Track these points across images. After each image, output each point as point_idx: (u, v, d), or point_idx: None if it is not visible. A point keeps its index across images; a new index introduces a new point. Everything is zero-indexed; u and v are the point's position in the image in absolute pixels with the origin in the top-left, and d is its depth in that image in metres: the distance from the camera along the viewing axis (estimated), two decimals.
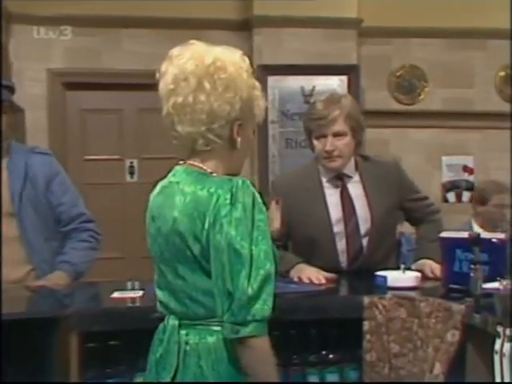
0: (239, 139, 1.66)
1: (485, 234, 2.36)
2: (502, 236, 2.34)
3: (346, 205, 2.71)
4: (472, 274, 2.03)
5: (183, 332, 1.62)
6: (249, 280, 1.49)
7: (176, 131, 1.64)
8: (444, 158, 5.26)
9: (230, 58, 1.64)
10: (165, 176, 1.74)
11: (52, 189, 2.87)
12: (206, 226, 1.53)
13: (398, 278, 2.42)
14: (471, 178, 5.29)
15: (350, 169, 2.75)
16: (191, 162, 1.67)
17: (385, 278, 2.42)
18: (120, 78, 4.80)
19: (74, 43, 4.72)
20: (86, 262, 2.93)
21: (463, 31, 5.21)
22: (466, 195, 5.28)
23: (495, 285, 1.92)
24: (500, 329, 1.83)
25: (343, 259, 2.73)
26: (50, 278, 2.71)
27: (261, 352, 1.53)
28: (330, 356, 2.30)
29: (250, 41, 4.83)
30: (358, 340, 2.19)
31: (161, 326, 1.72)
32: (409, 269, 2.57)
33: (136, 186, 5.07)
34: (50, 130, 4.91)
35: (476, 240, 2.06)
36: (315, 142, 2.68)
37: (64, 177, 2.96)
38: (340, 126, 2.61)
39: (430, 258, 2.71)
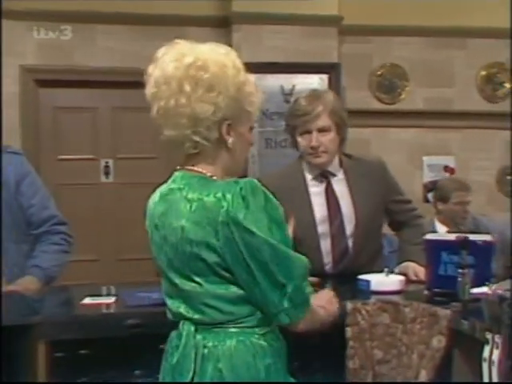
0: (230, 139, 1.62)
1: (471, 236, 2.30)
2: (488, 238, 2.29)
3: (332, 203, 2.67)
4: (460, 279, 1.96)
5: (200, 336, 1.61)
6: (294, 267, 1.55)
7: (164, 135, 1.62)
8: (425, 158, 5.22)
9: (213, 56, 1.60)
10: (163, 182, 1.71)
11: (22, 190, 2.78)
12: (221, 233, 1.52)
13: (381, 281, 2.37)
14: (450, 177, 5.22)
15: (334, 166, 2.71)
16: (188, 167, 1.64)
17: (368, 282, 2.36)
18: (94, 75, 4.70)
19: (47, 39, 4.60)
20: (58, 266, 2.85)
21: (444, 30, 5.17)
22: None
23: (483, 289, 1.85)
24: (489, 335, 1.78)
25: (328, 260, 2.66)
26: (20, 283, 2.62)
27: (316, 322, 1.65)
28: (312, 364, 2.24)
29: (228, 38, 4.75)
30: (341, 347, 2.13)
31: (173, 333, 1.70)
32: (392, 272, 2.50)
33: (111, 186, 4.99)
34: (22, 129, 4.81)
35: (464, 243, 1.98)
36: (299, 139, 2.65)
37: (34, 177, 2.87)
38: (324, 122, 2.59)
39: (413, 261, 2.66)
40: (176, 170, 1.68)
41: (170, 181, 1.69)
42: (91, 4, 4.63)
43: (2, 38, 4.51)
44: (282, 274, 1.55)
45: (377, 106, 5.18)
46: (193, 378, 1.59)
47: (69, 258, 2.93)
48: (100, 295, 2.36)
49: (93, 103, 4.89)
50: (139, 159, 4.94)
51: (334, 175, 2.71)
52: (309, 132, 2.60)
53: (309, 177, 2.71)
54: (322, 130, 2.59)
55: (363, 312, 2.18)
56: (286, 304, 1.56)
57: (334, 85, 4.71)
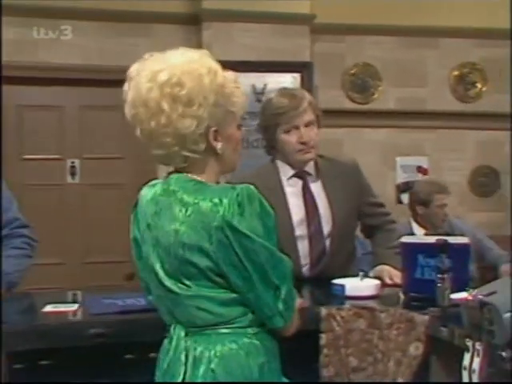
0: (219, 145, 1.63)
1: (450, 239, 2.25)
2: (464, 240, 2.24)
3: (309, 204, 2.62)
4: (439, 284, 1.89)
5: (190, 340, 1.62)
6: (286, 270, 1.62)
7: (152, 153, 1.65)
8: (398, 159, 5.18)
9: (186, 67, 1.59)
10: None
11: None
12: (214, 237, 1.54)
13: (356, 286, 2.32)
14: (425, 178, 5.18)
15: (310, 166, 2.67)
16: (185, 174, 1.66)
17: (342, 286, 2.32)
18: (60, 72, 4.54)
19: (10, 34, 4.42)
20: (20, 271, 2.76)
21: (416, 30, 5.13)
22: None
23: (463, 295, 1.78)
24: (469, 342, 1.72)
25: (305, 262, 2.61)
26: None
27: (297, 322, 1.71)
28: (285, 372, 2.13)
29: (198, 36, 4.65)
30: (315, 354, 2.08)
31: (165, 340, 1.71)
32: (367, 276, 2.45)
33: (78, 187, 4.85)
34: None
35: (443, 246, 1.91)
36: (284, 137, 2.59)
37: None
38: (310, 116, 2.59)
39: (388, 264, 2.61)
40: (171, 173, 1.68)
41: (163, 180, 1.68)
42: (58, 0, 4.49)
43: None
44: (276, 276, 1.59)
45: (349, 105, 5.12)
46: (184, 379, 1.59)
47: (32, 262, 2.84)
48: (62, 302, 2.26)
49: (58, 101, 4.74)
50: (106, 159, 4.80)
51: (311, 175, 2.66)
52: (296, 128, 2.56)
53: (284, 178, 2.64)
54: (308, 125, 2.58)
55: (338, 318, 2.13)
56: (280, 306, 1.61)
57: (307, 84, 4.65)
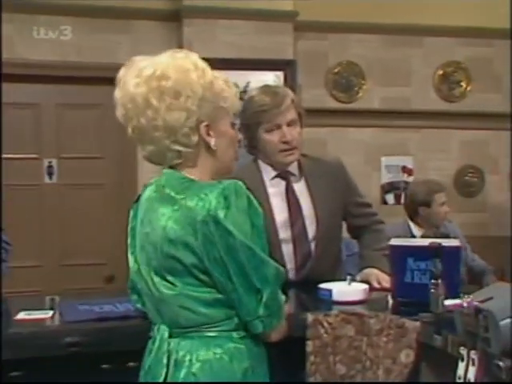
0: (213, 140, 1.63)
1: (440, 241, 2.18)
2: (456, 242, 2.18)
3: (293, 205, 2.53)
4: (432, 290, 1.80)
5: (174, 342, 1.60)
6: (270, 274, 1.56)
7: (144, 152, 1.66)
8: (383, 159, 5.13)
9: (171, 62, 1.62)
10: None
11: None
12: (199, 232, 1.52)
13: (343, 291, 2.24)
14: (410, 178, 5.16)
15: (293, 166, 2.59)
16: (177, 172, 1.66)
17: (329, 291, 2.24)
18: (37, 69, 4.41)
19: None
20: None
21: (401, 28, 5.08)
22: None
23: (457, 301, 1.71)
24: (463, 351, 1.65)
25: (290, 266, 2.52)
26: None
27: (284, 330, 1.67)
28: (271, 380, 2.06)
29: (179, 33, 4.55)
30: (301, 362, 2.00)
31: (151, 338, 1.69)
32: (354, 280, 2.38)
33: (55, 187, 4.72)
34: None
35: (437, 250, 1.83)
36: (266, 136, 2.51)
37: None
38: (293, 114, 2.50)
39: (375, 267, 2.54)
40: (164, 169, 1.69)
41: (157, 177, 1.70)
42: None
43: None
44: (258, 278, 1.55)
45: (333, 104, 5.05)
46: (165, 381, 1.58)
47: (6, 266, 2.77)
48: (37, 309, 2.14)
49: (34, 99, 4.60)
50: (85, 159, 4.68)
51: (294, 175, 2.58)
52: (278, 127, 2.48)
53: (266, 178, 2.56)
54: (290, 124, 2.49)
55: (325, 324, 2.05)
56: (261, 311, 1.57)
57: (290, 82, 4.56)
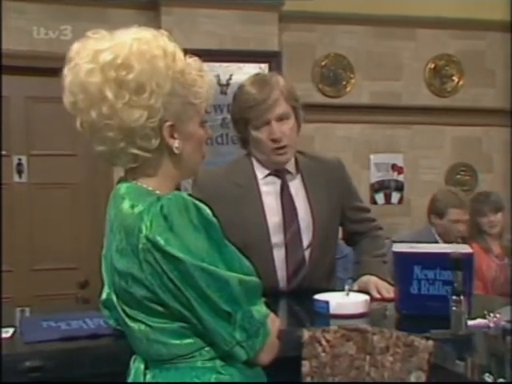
0: (176, 143, 1.41)
1: (449, 249, 1.96)
2: (468, 250, 1.96)
3: (287, 207, 2.31)
4: (454, 308, 1.57)
5: (150, 374, 1.42)
6: (237, 292, 1.34)
7: (95, 150, 1.42)
8: (372, 157, 4.95)
9: (136, 47, 1.36)
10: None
11: None
12: (144, 262, 1.31)
13: (342, 303, 2.02)
14: (400, 177, 5.00)
15: (290, 163, 2.36)
16: (133, 181, 1.44)
17: (327, 303, 2.01)
18: (5, 59, 4.13)
19: None
20: None
21: (390, 19, 4.89)
22: (395, 196, 5.00)
23: (481, 321, 1.48)
24: (489, 378, 1.45)
25: (282, 274, 2.30)
26: None
27: (275, 347, 1.45)
28: None
29: (157, 22, 4.31)
30: None
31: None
32: (351, 290, 2.16)
33: (25, 187, 4.50)
34: None
35: (458, 261, 1.60)
36: (255, 134, 2.29)
37: None
38: (283, 108, 2.26)
39: (374, 275, 2.32)
40: (119, 181, 1.47)
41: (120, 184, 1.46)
42: None
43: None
44: (225, 301, 1.33)
45: (320, 99, 4.84)
46: None
47: None
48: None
49: (2, 91, 4.31)
50: (57, 156, 4.45)
51: (291, 174, 2.36)
52: (267, 123, 2.25)
53: (260, 175, 2.34)
54: (281, 119, 2.26)
55: (323, 342, 1.86)
56: (238, 336, 1.35)
57: None
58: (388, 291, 2.21)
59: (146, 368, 1.43)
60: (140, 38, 1.38)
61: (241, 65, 4.40)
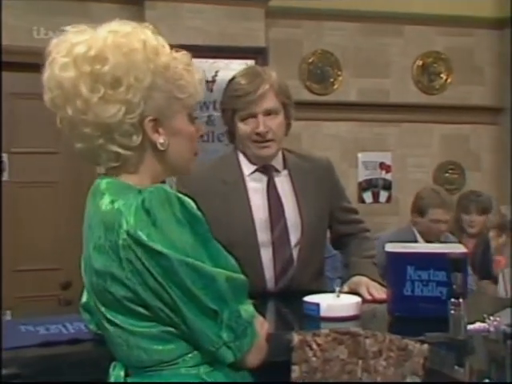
0: (161, 139, 1.35)
1: (443, 248, 1.91)
2: (462, 249, 1.90)
3: (274, 204, 2.25)
4: (453, 311, 1.51)
5: (131, 381, 1.36)
6: (224, 289, 1.28)
7: (75, 148, 1.37)
8: (360, 155, 4.89)
9: (112, 40, 1.31)
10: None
11: None
12: (125, 260, 1.25)
13: (333, 305, 1.95)
14: (388, 175, 4.95)
15: (277, 161, 2.31)
16: (113, 177, 1.38)
17: (317, 305, 1.94)
18: None
19: None
20: None
21: (378, 15, 4.84)
22: (383, 195, 4.95)
23: (481, 324, 1.42)
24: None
25: (269, 274, 2.23)
26: None
27: (263, 349, 1.39)
28: None
29: (141, 17, 4.20)
30: None
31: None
32: (341, 291, 2.11)
33: (6, 185, 4.37)
34: None
35: (457, 262, 1.53)
36: (241, 125, 2.24)
37: None
38: (271, 103, 2.20)
39: (364, 275, 2.27)
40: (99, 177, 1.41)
41: (99, 180, 1.41)
42: None
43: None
44: (211, 298, 1.27)
45: (307, 96, 4.78)
46: None
47: None
48: None
49: None
50: (38, 154, 4.35)
51: (278, 171, 2.30)
52: (253, 116, 2.20)
53: (246, 171, 2.28)
54: (268, 113, 2.21)
55: (314, 346, 1.78)
56: (225, 336, 1.29)
57: None
58: (379, 292, 2.15)
59: (127, 375, 1.37)
60: (118, 30, 1.33)
61: (227, 61, 4.33)
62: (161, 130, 1.35)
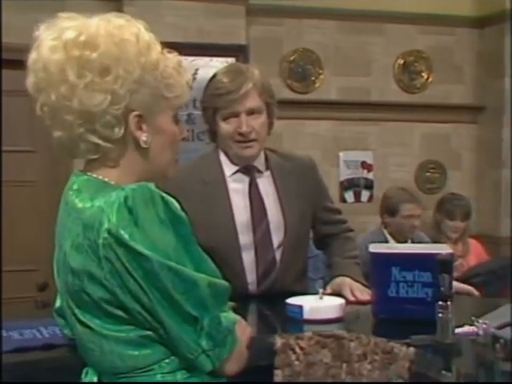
0: (144, 136, 1.32)
1: (429, 249, 1.87)
2: (448, 250, 1.87)
3: (256, 206, 2.21)
4: (440, 314, 1.47)
5: None
6: (206, 295, 1.25)
7: (53, 138, 1.33)
8: (341, 154, 4.84)
9: (104, 28, 1.29)
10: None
11: None
12: (104, 260, 1.20)
13: (316, 307, 1.92)
14: (370, 175, 4.90)
15: (260, 161, 2.26)
16: (89, 173, 1.34)
17: (300, 308, 1.91)
18: None
19: None
20: None
21: (359, 14, 4.79)
22: (364, 194, 4.90)
23: (469, 328, 1.39)
24: None
25: (251, 277, 2.19)
26: None
27: (242, 357, 1.36)
28: None
29: (119, 13, 4.12)
30: None
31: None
32: (326, 293, 2.08)
33: None
34: None
35: (446, 263, 1.50)
36: (222, 125, 2.19)
37: None
38: (255, 102, 2.16)
39: (348, 276, 2.23)
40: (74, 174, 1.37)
41: (72, 179, 1.37)
42: None
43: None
44: (191, 304, 1.23)
45: (288, 95, 4.70)
46: None
47: None
48: None
49: None
50: (14, 153, 4.22)
51: (260, 172, 2.26)
52: (236, 115, 2.15)
53: (228, 172, 2.23)
54: (251, 113, 2.16)
55: (297, 349, 1.75)
56: (204, 344, 1.25)
57: None
58: (363, 293, 2.12)
59: (100, 382, 1.33)
60: (111, 20, 1.33)
61: (207, 59, 4.25)
62: (144, 126, 1.32)
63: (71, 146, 1.32)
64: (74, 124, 1.28)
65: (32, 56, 1.31)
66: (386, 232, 3.74)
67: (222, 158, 2.25)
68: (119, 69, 1.27)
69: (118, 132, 1.30)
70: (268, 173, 2.27)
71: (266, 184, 2.25)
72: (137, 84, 1.29)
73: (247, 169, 2.23)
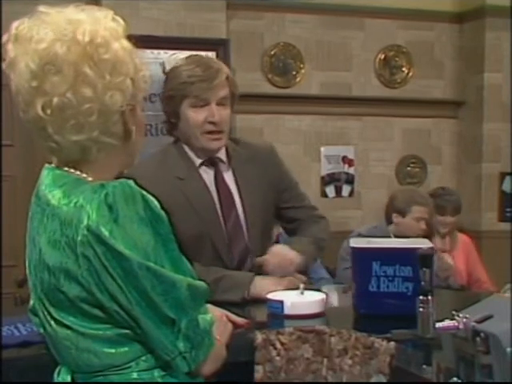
0: (134, 128, 1.32)
1: (410, 243, 1.87)
2: (428, 244, 1.87)
3: (224, 197, 2.21)
4: (421, 309, 1.47)
5: None
6: (185, 296, 1.24)
7: (54, 142, 1.26)
8: (322, 149, 4.85)
9: (102, 27, 1.27)
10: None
11: None
12: (82, 257, 1.18)
13: (297, 302, 1.91)
14: (351, 169, 4.92)
15: (222, 152, 2.25)
16: (65, 168, 1.30)
17: (281, 303, 1.90)
18: None
19: None
20: None
21: (340, 8, 4.80)
22: (345, 189, 4.91)
23: (450, 322, 1.38)
24: (457, 381, 1.34)
25: (232, 266, 2.19)
26: None
27: (219, 359, 1.35)
28: None
29: (97, 5, 4.08)
30: None
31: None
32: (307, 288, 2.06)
33: None
34: None
35: (427, 258, 1.49)
36: (191, 113, 2.15)
37: None
38: (225, 92, 2.17)
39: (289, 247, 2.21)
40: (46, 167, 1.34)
41: (43, 173, 1.34)
42: None
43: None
44: (169, 306, 1.22)
45: (269, 89, 4.72)
46: None
47: None
48: None
49: None
50: None
51: (223, 163, 2.25)
52: (206, 103, 2.13)
53: (197, 162, 2.23)
54: (222, 103, 2.15)
55: (278, 345, 1.75)
56: (181, 346, 1.24)
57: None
58: (289, 262, 2.13)
59: (73, 380, 1.30)
60: (97, 17, 1.30)
61: (187, 53, 4.21)
62: (133, 119, 1.31)
63: (80, 149, 1.27)
64: (93, 125, 1.24)
65: (29, 58, 1.23)
66: (389, 231, 3.73)
67: (187, 150, 2.22)
68: (123, 68, 1.26)
69: (120, 128, 1.29)
70: (227, 163, 2.25)
71: (229, 174, 2.23)
72: (131, 80, 1.29)
73: (211, 161, 2.21)
